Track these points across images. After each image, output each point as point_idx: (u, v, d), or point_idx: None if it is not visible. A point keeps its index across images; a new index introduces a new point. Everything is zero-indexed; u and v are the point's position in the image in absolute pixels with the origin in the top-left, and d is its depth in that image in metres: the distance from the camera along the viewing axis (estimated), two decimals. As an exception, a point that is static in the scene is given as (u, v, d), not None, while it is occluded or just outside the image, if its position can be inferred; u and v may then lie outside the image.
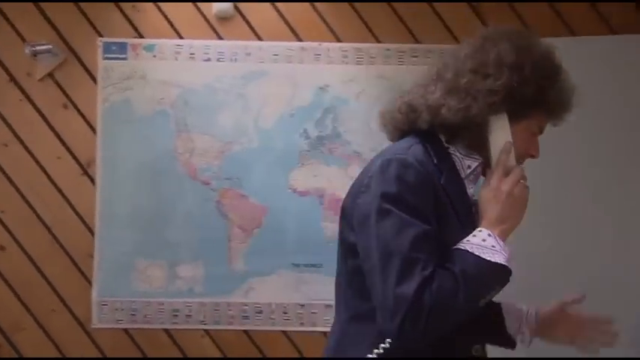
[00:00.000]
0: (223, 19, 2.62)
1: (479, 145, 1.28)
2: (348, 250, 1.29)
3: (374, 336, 1.22)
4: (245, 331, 2.61)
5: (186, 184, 2.61)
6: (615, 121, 2.40)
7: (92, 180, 2.61)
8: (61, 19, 2.63)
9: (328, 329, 2.46)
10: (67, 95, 2.64)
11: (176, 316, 2.59)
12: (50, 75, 2.62)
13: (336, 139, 2.59)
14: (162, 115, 2.62)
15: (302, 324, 2.58)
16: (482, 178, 1.33)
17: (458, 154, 1.31)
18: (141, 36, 2.63)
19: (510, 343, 1.45)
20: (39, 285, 2.61)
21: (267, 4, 2.62)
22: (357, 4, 2.62)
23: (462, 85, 1.26)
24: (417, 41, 2.60)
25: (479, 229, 1.22)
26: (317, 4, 2.62)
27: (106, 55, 2.63)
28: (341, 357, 1.32)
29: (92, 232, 2.60)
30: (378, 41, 2.60)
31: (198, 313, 2.60)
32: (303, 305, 2.58)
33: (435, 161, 1.26)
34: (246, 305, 2.60)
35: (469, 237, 1.20)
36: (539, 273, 2.23)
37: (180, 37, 2.63)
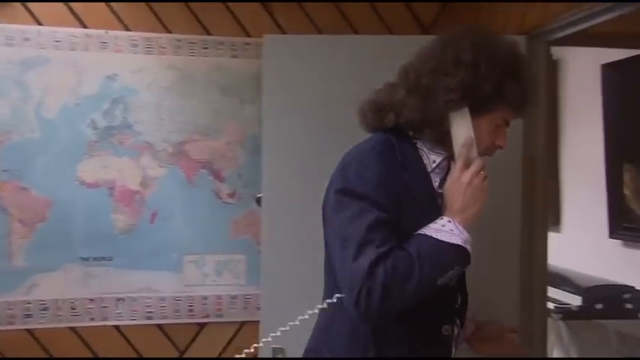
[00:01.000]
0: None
1: (443, 140, 1.36)
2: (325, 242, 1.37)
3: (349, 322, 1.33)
4: (28, 330, 2.47)
5: (-44, 177, 2.39)
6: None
7: None
8: None
9: (120, 322, 2.50)
10: None
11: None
12: None
13: (126, 130, 2.54)
14: None
15: (92, 319, 2.52)
16: None
17: (424, 149, 1.38)
18: None
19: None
20: None
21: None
22: (146, -7, 2.58)
23: (422, 84, 1.33)
24: (208, 33, 2.64)
25: (440, 217, 1.31)
26: (104, -10, 2.54)
27: None
28: (325, 337, 1.43)
29: None
30: (169, 31, 2.59)
31: (-26, 316, 2.40)
32: (92, 300, 2.52)
33: (400, 158, 1.33)
34: (29, 303, 2.46)
35: (430, 224, 1.29)
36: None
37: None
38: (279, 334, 1.37)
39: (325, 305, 1.32)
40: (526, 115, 1.42)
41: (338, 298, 1.29)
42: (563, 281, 3.48)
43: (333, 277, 1.34)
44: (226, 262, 2.61)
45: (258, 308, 2.37)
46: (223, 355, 2.64)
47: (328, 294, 1.38)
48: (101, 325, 2.53)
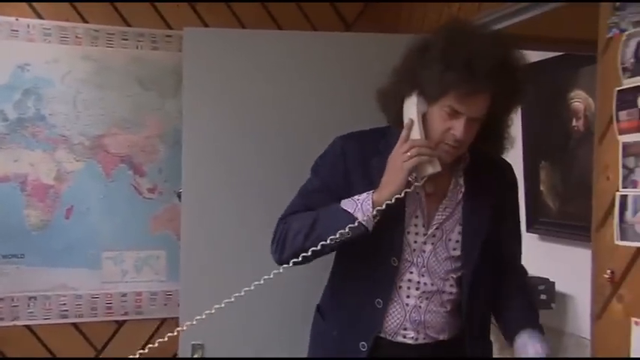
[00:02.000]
0: None
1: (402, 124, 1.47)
2: None
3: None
4: None
5: None
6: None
7: None
8: None
9: (32, 322, 2.41)
10: None
11: None
12: None
13: (39, 122, 2.44)
14: None
15: (2, 319, 2.41)
16: None
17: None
18: None
19: None
20: None
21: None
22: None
23: (394, 75, 1.49)
24: (127, 24, 2.57)
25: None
26: (13, -24, 2.42)
27: None
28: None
29: None
30: (85, 21, 2.51)
31: None
32: (2, 299, 2.41)
33: (379, 145, 1.52)
34: None
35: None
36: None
37: None
38: (194, 322, 1.37)
39: (262, 281, 1.41)
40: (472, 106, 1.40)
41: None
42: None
43: None
44: (146, 258, 2.56)
45: (179, 304, 2.33)
46: (142, 354, 2.58)
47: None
48: (11, 325, 2.42)
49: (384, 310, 1.53)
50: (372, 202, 1.42)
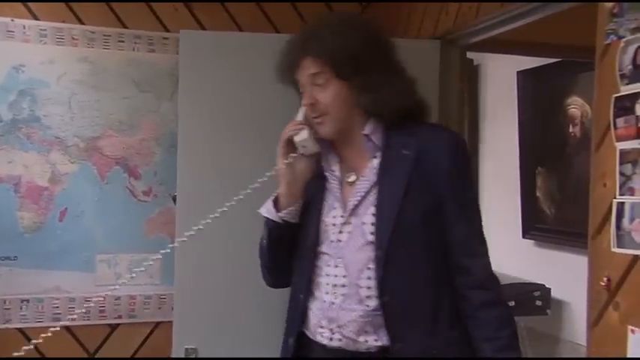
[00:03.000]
0: None
1: None
2: None
3: None
4: None
5: None
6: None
7: None
8: None
9: (24, 325, 2.39)
10: None
11: None
12: None
13: (34, 124, 2.42)
14: None
15: (-6, 321, 2.39)
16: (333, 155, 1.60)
17: None
18: None
19: None
20: None
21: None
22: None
23: None
24: (124, 26, 2.56)
25: None
26: (9, -24, 2.41)
27: None
28: None
29: None
30: (81, 23, 2.50)
31: None
32: (-6, 301, 2.39)
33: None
34: None
35: None
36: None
37: None
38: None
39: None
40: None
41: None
42: (478, 280, 3.58)
43: None
44: (140, 262, 2.53)
45: (173, 308, 2.32)
46: (136, 357, 2.56)
47: None
48: (4, 328, 2.40)
49: (305, 306, 1.52)
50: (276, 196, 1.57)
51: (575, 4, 1.81)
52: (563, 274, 3.35)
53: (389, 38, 1.58)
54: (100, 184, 2.50)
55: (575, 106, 3.42)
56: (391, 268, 1.42)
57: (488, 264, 1.50)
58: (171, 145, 2.51)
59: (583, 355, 1.69)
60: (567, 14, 1.88)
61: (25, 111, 2.42)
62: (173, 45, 2.53)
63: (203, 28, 2.61)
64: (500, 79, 3.96)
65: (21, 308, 2.41)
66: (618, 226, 1.52)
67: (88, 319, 2.49)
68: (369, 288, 1.45)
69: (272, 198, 1.58)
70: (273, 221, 1.56)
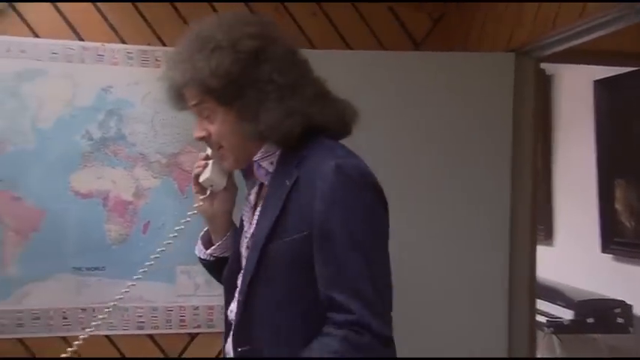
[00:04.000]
0: (-4, 13, 2.46)
1: None
2: None
3: None
4: (19, 340, 2.49)
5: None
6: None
7: None
8: None
9: (112, 332, 2.51)
10: None
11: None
12: None
13: (120, 141, 2.57)
14: None
15: (84, 329, 2.52)
16: (255, 180, 1.40)
17: None
18: None
19: None
20: None
21: (46, 4, 2.52)
22: (139, 5, 2.61)
23: None
24: (202, 46, 2.66)
25: None
26: (99, 4, 2.57)
27: None
28: None
29: None
30: (164, 44, 2.63)
31: (-34, 324, 2.41)
32: (84, 309, 2.53)
33: None
34: (20, 312, 2.48)
35: None
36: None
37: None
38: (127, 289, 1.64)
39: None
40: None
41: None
42: (555, 295, 3.50)
43: None
44: (218, 273, 2.62)
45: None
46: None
47: None
48: (93, 335, 2.53)
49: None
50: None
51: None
52: (646, 290, 3.23)
53: (289, 46, 1.33)
54: (180, 197, 2.61)
55: (656, 115, 3.30)
56: (251, 293, 1.32)
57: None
58: (247, 160, 2.59)
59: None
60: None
61: (113, 129, 2.56)
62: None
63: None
64: (574, 89, 3.87)
65: (109, 316, 2.53)
66: None
67: (170, 328, 2.60)
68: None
69: (201, 235, 1.61)
70: (206, 259, 1.59)
